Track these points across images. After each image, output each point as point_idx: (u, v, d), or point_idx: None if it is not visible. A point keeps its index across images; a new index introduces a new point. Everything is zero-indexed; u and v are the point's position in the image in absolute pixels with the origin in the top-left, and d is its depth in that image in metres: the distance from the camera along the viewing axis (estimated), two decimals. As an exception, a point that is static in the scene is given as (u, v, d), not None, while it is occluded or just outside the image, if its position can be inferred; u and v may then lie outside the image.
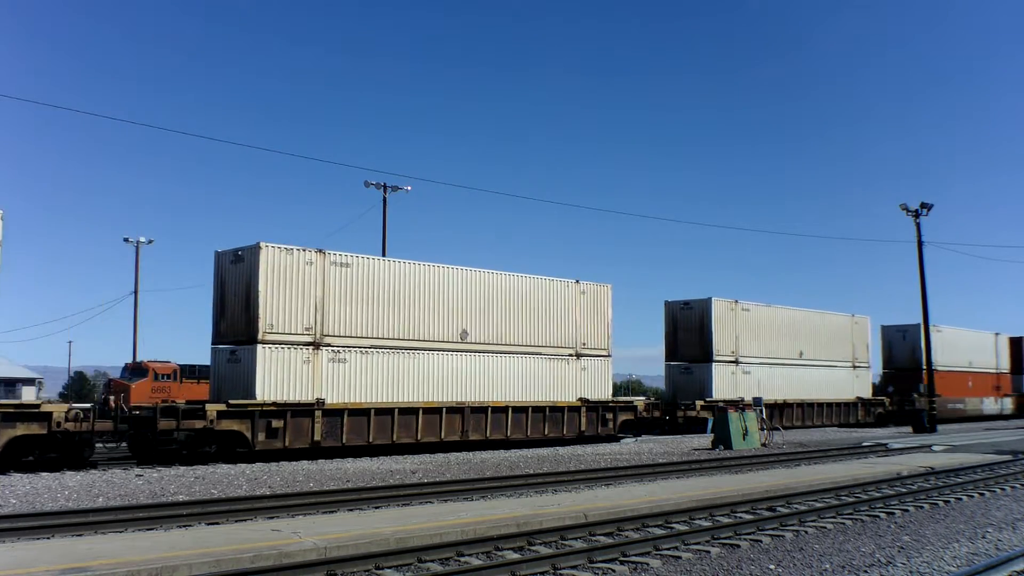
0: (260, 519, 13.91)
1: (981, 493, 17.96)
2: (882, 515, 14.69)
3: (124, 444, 25.59)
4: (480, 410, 29.73)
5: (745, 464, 24.19)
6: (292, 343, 25.48)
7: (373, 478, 20.34)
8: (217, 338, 26.42)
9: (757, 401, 34.58)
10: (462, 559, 10.72)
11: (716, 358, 40.43)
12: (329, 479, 20.14)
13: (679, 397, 40.48)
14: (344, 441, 26.09)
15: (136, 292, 56.47)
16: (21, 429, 21.22)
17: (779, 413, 41.85)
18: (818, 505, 15.56)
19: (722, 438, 30.40)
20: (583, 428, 32.92)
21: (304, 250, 26.02)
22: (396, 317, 28.01)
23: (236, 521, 13.82)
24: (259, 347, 24.77)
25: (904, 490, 18.00)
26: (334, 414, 26.02)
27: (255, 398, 24.56)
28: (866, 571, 10.39)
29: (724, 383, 40.63)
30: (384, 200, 44.39)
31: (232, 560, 9.60)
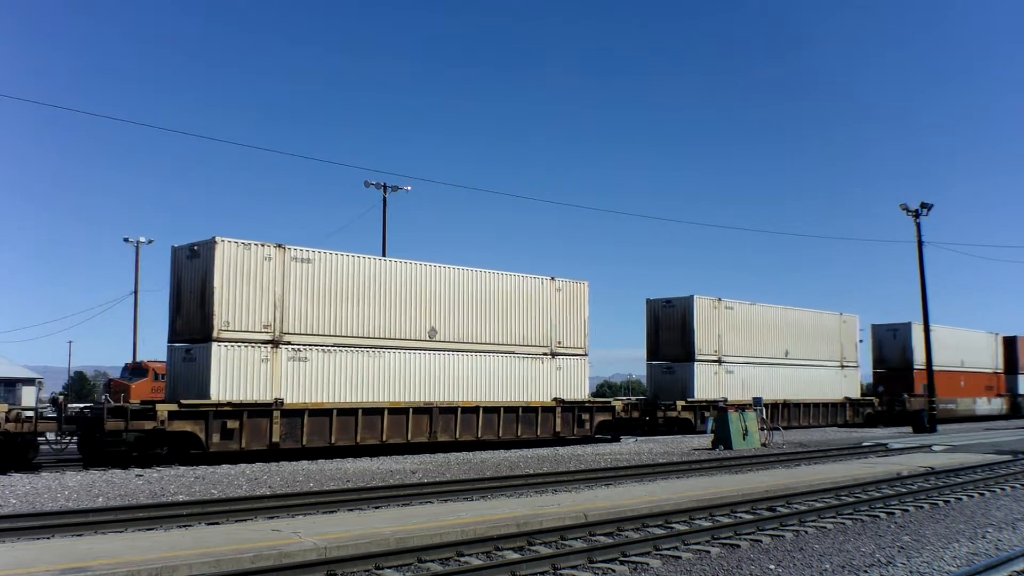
0: (260, 519, 13.91)
1: (981, 493, 17.96)
2: (882, 515, 14.68)
3: (74, 445, 24.65)
4: (449, 410, 28.96)
5: (745, 464, 24.19)
6: (249, 341, 24.75)
7: (373, 478, 20.34)
8: (173, 336, 25.75)
9: (757, 401, 34.58)
10: (462, 559, 10.72)
11: (698, 357, 39.75)
12: (329, 479, 20.14)
13: (661, 397, 39.78)
14: (304, 443, 25.35)
15: (136, 292, 56.60)
16: None
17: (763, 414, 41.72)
18: (818, 505, 15.56)
19: (722, 438, 30.41)
20: (558, 429, 32.20)
21: (263, 245, 25.35)
22: (361, 314, 27.30)
23: (236, 521, 13.82)
24: (214, 345, 24.01)
25: (904, 490, 17.99)
26: (294, 415, 25.30)
27: (210, 398, 23.83)
28: (866, 571, 10.39)
29: (707, 383, 40.00)
30: (384, 200, 44.42)
31: (232, 560, 9.60)
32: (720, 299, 41.35)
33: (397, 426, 27.56)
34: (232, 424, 23.99)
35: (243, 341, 24.66)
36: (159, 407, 23.22)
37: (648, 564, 10.66)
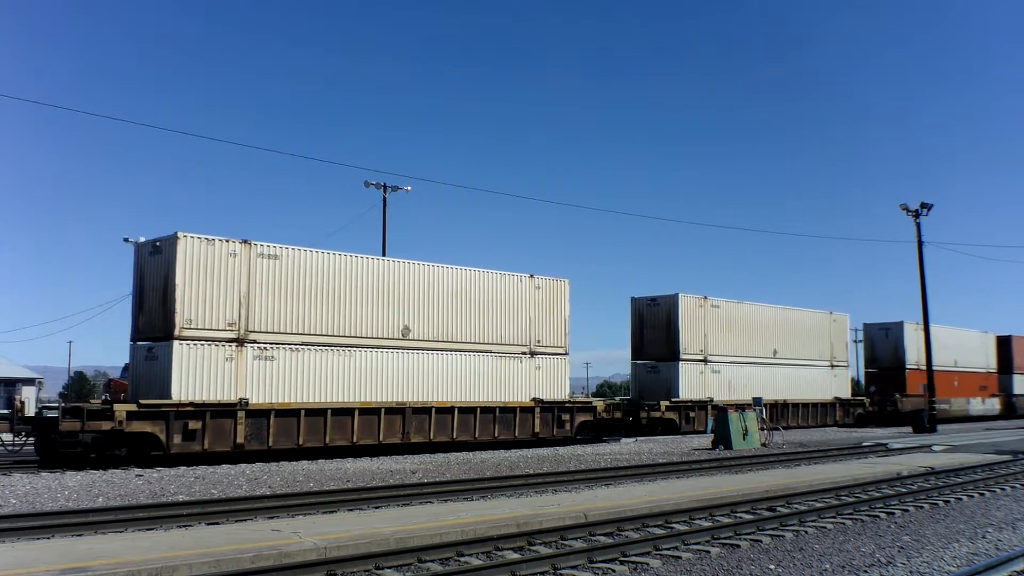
0: (260, 519, 13.91)
1: (981, 493, 17.96)
2: (882, 515, 14.69)
3: (32, 447, 24.26)
4: (423, 411, 28.29)
5: (745, 464, 24.19)
6: (213, 339, 24.12)
7: (373, 478, 20.34)
8: (136, 334, 25.17)
9: (757, 401, 34.58)
10: (462, 559, 10.72)
11: (683, 357, 39.13)
12: (329, 479, 20.14)
13: (646, 397, 39.15)
14: (271, 444, 24.70)
15: (136, 292, 56.40)
16: None
17: None
18: (818, 505, 15.56)
19: (722, 438, 30.41)
20: (537, 430, 31.50)
21: (227, 241, 24.73)
22: (331, 312, 26.69)
23: (236, 521, 13.82)
24: (175, 343, 23.38)
25: (904, 490, 17.99)
26: (259, 415, 24.59)
27: (171, 398, 23.20)
28: (866, 571, 10.39)
29: (692, 383, 39.37)
30: (384, 200, 44.41)
31: (232, 560, 9.59)
32: (706, 297, 40.75)
33: (368, 427, 26.88)
34: (194, 425, 23.35)
35: (206, 339, 24.03)
36: (117, 407, 22.63)
37: (648, 564, 10.66)
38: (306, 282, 26.29)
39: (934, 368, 52.10)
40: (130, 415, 22.59)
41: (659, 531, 12.76)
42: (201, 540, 10.86)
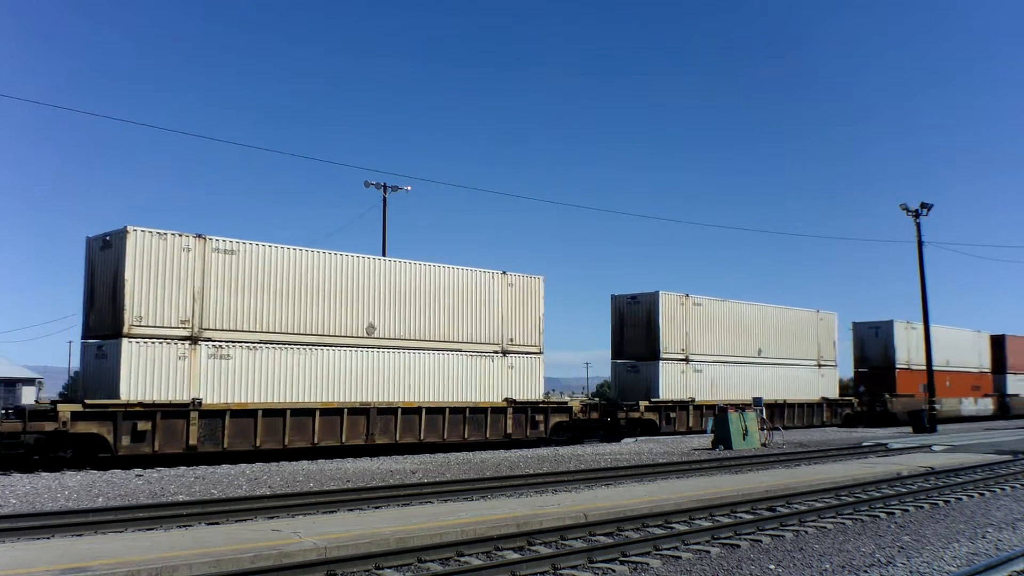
0: (260, 519, 13.91)
1: (981, 493, 17.96)
2: (882, 515, 14.69)
3: None
4: (388, 411, 27.49)
5: (745, 464, 24.19)
6: (165, 337, 23.34)
7: (373, 478, 20.34)
8: (86, 332, 24.50)
9: (757, 401, 34.57)
10: (462, 559, 10.72)
11: (664, 356, 37.94)
12: (329, 479, 20.14)
13: (626, 397, 37.98)
14: (226, 446, 23.88)
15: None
16: None
17: None
18: (818, 505, 15.56)
19: (722, 438, 30.41)
20: (509, 431, 30.67)
21: (181, 235, 23.95)
22: (291, 310, 25.95)
23: (236, 521, 13.82)
24: (124, 341, 22.60)
25: (904, 490, 17.99)
26: (214, 416, 23.78)
27: (119, 398, 22.44)
28: (866, 571, 10.40)
29: (673, 382, 38.27)
30: (384, 200, 44.41)
31: (232, 560, 9.60)
32: (688, 295, 39.64)
33: (330, 428, 26.18)
34: (144, 426, 22.55)
35: (157, 337, 23.26)
36: (60, 407, 21.91)
37: (648, 564, 10.66)
38: (265, 278, 25.56)
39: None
40: (75, 416, 21.81)
41: (659, 531, 12.76)
42: (201, 540, 10.86)
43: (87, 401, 22.50)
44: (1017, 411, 61.37)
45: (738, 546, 11.85)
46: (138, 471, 21.45)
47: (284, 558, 9.93)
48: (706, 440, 33.30)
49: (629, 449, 30.35)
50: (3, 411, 22.64)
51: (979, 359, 58.94)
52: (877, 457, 26.59)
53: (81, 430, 21.94)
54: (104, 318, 23.65)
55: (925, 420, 43.16)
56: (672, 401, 37.93)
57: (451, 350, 29.75)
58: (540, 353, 32.67)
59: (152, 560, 9.41)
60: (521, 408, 31.35)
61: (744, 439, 30.67)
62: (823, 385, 47.37)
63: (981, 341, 59.66)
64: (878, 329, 52.42)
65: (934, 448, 30.30)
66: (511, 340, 31.65)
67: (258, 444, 24.54)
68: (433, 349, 29.23)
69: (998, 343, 61.35)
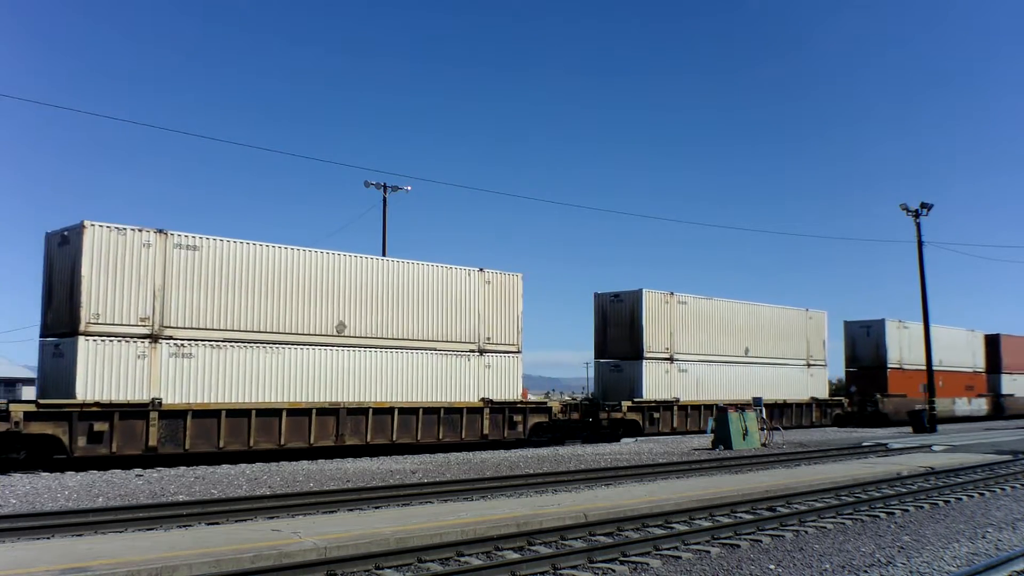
0: (260, 519, 13.91)
1: (981, 493, 17.97)
2: (882, 515, 14.69)
3: None
4: (359, 411, 26.81)
5: (745, 464, 24.20)
6: (124, 335, 22.67)
7: (373, 478, 20.34)
8: (44, 331, 23.85)
9: (757, 401, 34.55)
10: (462, 559, 10.72)
11: (647, 355, 37.12)
12: (329, 479, 20.14)
13: (609, 397, 37.12)
14: (187, 447, 23.23)
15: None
16: None
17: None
18: (818, 505, 15.56)
19: (722, 438, 30.41)
20: (486, 432, 29.95)
21: (141, 230, 23.31)
22: (257, 307, 25.25)
23: (236, 521, 13.82)
24: (81, 339, 21.97)
25: (904, 490, 18.00)
26: (175, 416, 23.14)
27: (75, 397, 21.78)
28: (866, 571, 10.40)
29: (657, 382, 37.45)
30: (384, 200, 44.41)
31: (232, 560, 9.60)
32: (672, 293, 38.75)
33: (298, 429, 25.52)
34: (100, 426, 21.86)
35: (116, 335, 22.59)
36: (12, 407, 21.17)
37: (648, 564, 10.66)
38: (230, 275, 24.89)
39: (918, 368, 50.61)
40: (28, 416, 21.15)
41: (659, 531, 12.76)
42: (201, 540, 10.86)
43: (41, 401, 21.94)
44: (1012, 411, 60.80)
45: (738, 546, 11.86)
46: (138, 471, 21.43)
47: (284, 558, 9.93)
48: (705, 440, 33.30)
49: (629, 449, 30.35)
50: None
51: (973, 359, 58.21)
52: (877, 457, 26.59)
53: (35, 431, 21.30)
54: (61, 316, 23.05)
55: (925, 420, 43.04)
56: (656, 401, 37.13)
57: (425, 349, 29.12)
58: (519, 352, 32.05)
59: (152, 560, 9.41)
60: (498, 408, 30.71)
61: (744, 439, 30.67)
62: (812, 385, 46.56)
63: (975, 340, 58.88)
64: (869, 328, 51.64)
65: (934, 448, 30.31)
66: (488, 339, 30.98)
67: (222, 446, 23.90)
68: (406, 348, 28.60)
69: (992, 343, 60.58)
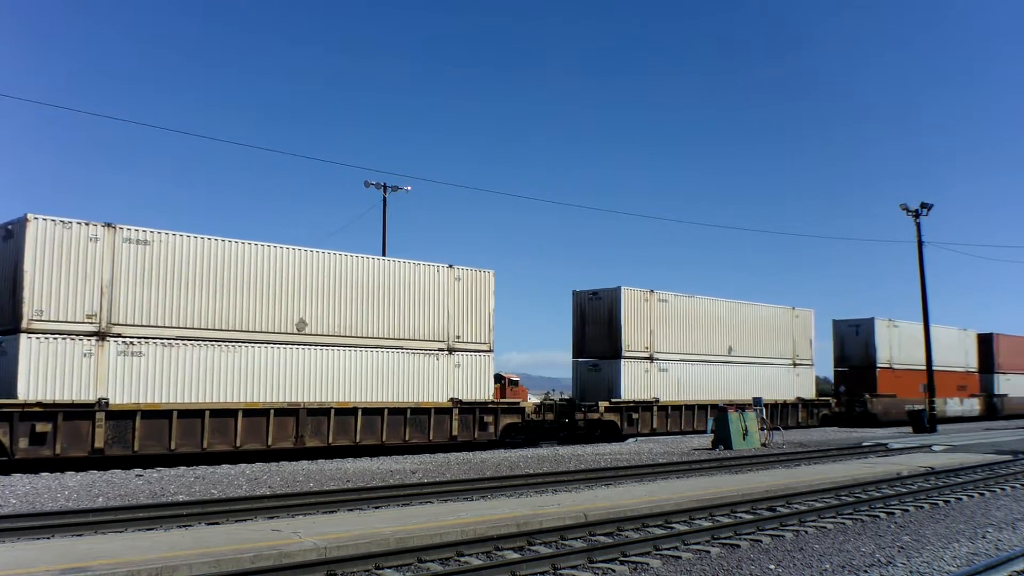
0: (260, 519, 13.91)
1: (981, 493, 17.97)
2: (882, 515, 14.69)
3: None
4: (321, 412, 26.03)
5: (745, 464, 24.20)
6: (69, 333, 21.89)
7: (373, 478, 20.34)
8: None
9: (757, 401, 34.57)
10: (462, 559, 10.72)
11: (626, 354, 36.15)
12: (329, 479, 20.14)
13: (587, 398, 36.22)
14: (136, 449, 22.39)
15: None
16: None
17: (705, 416, 37.81)
18: (818, 505, 15.56)
19: (722, 438, 30.42)
20: (455, 433, 29.13)
21: (87, 224, 22.50)
22: (212, 304, 24.42)
23: (236, 521, 13.82)
24: (23, 337, 21.17)
25: (904, 490, 18.00)
26: (123, 417, 22.29)
27: (17, 397, 20.95)
28: (866, 571, 10.40)
29: (636, 381, 36.50)
30: (384, 200, 44.41)
31: (232, 560, 9.59)
32: (652, 291, 37.86)
33: (255, 429, 24.66)
34: (43, 427, 21.02)
35: (60, 333, 21.81)
36: None
37: (648, 564, 10.66)
38: (182, 270, 24.06)
39: (908, 367, 50.16)
40: None
41: (659, 531, 12.76)
42: (201, 540, 10.86)
43: None
44: (1007, 411, 60.04)
45: (738, 546, 11.86)
46: (138, 471, 21.41)
47: (284, 558, 9.93)
48: (706, 440, 33.31)
49: (629, 449, 30.36)
50: None
51: (965, 358, 57.28)
52: (877, 457, 26.60)
53: None
54: (3, 312, 22.26)
55: (925, 420, 42.99)
56: (635, 401, 36.14)
57: (392, 347, 28.29)
58: (490, 351, 31.18)
59: (152, 560, 9.41)
60: (468, 408, 29.78)
61: (744, 439, 30.68)
62: (799, 385, 45.47)
63: (967, 340, 57.99)
64: (859, 327, 50.76)
65: (934, 448, 30.31)
66: (458, 337, 30.12)
67: (173, 447, 23.13)
68: (372, 346, 27.78)
69: (986, 342, 59.77)
